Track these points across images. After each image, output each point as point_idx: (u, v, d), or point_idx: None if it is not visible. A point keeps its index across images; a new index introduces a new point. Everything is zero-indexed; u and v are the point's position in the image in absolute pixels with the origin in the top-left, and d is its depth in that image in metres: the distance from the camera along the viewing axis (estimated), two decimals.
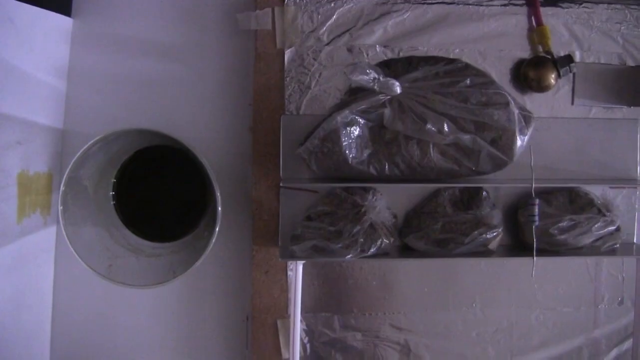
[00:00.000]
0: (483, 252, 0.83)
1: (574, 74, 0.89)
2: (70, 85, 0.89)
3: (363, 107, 0.80)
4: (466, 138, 0.78)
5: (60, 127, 0.89)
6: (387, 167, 0.80)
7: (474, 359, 0.91)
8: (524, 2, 0.89)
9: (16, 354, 0.80)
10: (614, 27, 0.91)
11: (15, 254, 0.78)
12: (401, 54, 0.87)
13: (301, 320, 0.85)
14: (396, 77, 0.80)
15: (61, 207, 0.72)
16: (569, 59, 0.86)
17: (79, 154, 0.70)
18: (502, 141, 0.79)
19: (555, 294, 0.91)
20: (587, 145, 0.89)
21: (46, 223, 0.86)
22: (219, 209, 0.73)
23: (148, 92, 0.90)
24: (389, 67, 0.85)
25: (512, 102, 0.79)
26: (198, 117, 0.91)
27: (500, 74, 0.88)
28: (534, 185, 0.81)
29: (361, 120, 0.81)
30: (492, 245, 0.83)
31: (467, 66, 0.84)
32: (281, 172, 0.85)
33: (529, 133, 0.80)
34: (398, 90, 0.79)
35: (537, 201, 0.82)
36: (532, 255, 0.80)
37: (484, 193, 0.86)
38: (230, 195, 0.89)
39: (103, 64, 0.90)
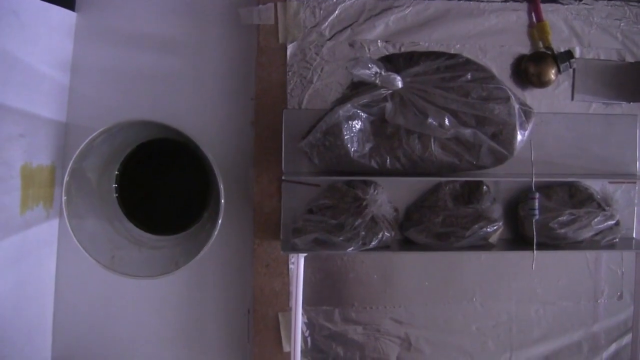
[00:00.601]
0: (483, 245, 0.84)
1: (574, 69, 0.90)
2: (74, 78, 0.90)
3: (365, 101, 0.80)
4: (467, 132, 0.79)
5: (63, 120, 0.90)
6: (388, 160, 0.81)
7: (474, 352, 0.92)
8: None
9: (18, 346, 0.81)
10: (614, 23, 0.92)
11: (18, 246, 0.79)
12: (402, 49, 0.88)
13: (302, 314, 0.86)
14: (398, 72, 0.81)
15: (65, 198, 0.73)
16: (569, 54, 0.87)
17: (83, 144, 0.71)
18: (503, 135, 0.80)
19: (555, 288, 0.93)
20: (587, 141, 0.91)
21: (49, 216, 0.87)
22: (222, 201, 0.74)
23: (151, 86, 0.91)
24: (391, 62, 0.85)
25: (513, 97, 0.80)
26: (200, 111, 0.91)
27: (500, 69, 0.90)
28: (534, 180, 0.82)
29: (363, 114, 0.81)
30: (493, 239, 0.84)
31: (468, 61, 0.85)
32: (283, 166, 0.86)
33: (529, 128, 0.81)
34: (399, 84, 0.80)
35: (537, 195, 0.83)
36: (532, 249, 0.81)
37: (485, 187, 0.87)
38: (232, 189, 0.89)
39: (106, 58, 0.91)
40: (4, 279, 0.77)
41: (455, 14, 0.90)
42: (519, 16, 0.91)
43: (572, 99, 0.91)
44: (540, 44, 0.90)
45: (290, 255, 0.86)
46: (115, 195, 0.86)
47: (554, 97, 0.91)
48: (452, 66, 0.83)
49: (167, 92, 0.91)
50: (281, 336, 0.87)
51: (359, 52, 0.88)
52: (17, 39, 0.77)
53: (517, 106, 0.80)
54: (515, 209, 0.89)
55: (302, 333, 0.87)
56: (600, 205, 0.86)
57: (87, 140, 0.71)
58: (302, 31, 0.87)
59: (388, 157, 0.81)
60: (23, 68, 0.79)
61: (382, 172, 0.82)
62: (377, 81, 0.79)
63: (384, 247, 0.83)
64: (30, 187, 0.80)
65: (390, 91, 0.80)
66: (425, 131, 0.79)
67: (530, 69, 0.89)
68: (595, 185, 0.89)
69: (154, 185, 0.89)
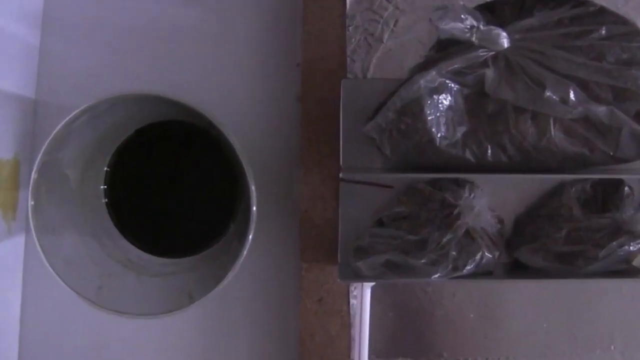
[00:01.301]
0: (625, 270, 0.75)
1: None
2: (45, 37, 0.81)
3: (456, 66, 0.71)
4: (601, 110, 0.69)
5: (31, 96, 0.81)
6: (489, 151, 0.71)
7: None
8: None
9: None
10: None
11: None
12: None
13: None
14: (502, 26, 0.71)
15: (32, 203, 0.64)
16: None
17: (58, 127, 0.62)
18: None
19: None
20: None
21: (10, 230, 0.77)
22: (254, 209, 0.65)
23: (153, 48, 0.81)
24: (493, 12, 0.75)
25: None
26: (224, 83, 0.82)
27: None
28: None
29: (454, 86, 0.72)
30: (638, 262, 0.74)
31: (603, 10, 0.74)
32: (341, 159, 0.77)
33: None
34: (505, 43, 0.70)
35: None
36: None
37: (627, 188, 0.77)
38: (269, 191, 0.80)
39: (90, 9, 0.82)
40: None
41: None
42: None
43: None
44: None
45: (352, 286, 0.78)
46: (104, 200, 0.77)
47: None
48: (579, 17, 0.73)
49: (176, 57, 0.81)
50: None
51: None
52: None
53: None
54: None
55: None
56: None
57: (63, 123, 0.62)
58: None
59: (489, 146, 0.71)
60: None
61: (480, 168, 0.72)
62: (474, 39, 0.69)
63: (484, 273, 0.74)
64: None
65: (492, 52, 0.71)
66: (542, 109, 0.70)
67: None
68: None
69: (159, 187, 0.81)
